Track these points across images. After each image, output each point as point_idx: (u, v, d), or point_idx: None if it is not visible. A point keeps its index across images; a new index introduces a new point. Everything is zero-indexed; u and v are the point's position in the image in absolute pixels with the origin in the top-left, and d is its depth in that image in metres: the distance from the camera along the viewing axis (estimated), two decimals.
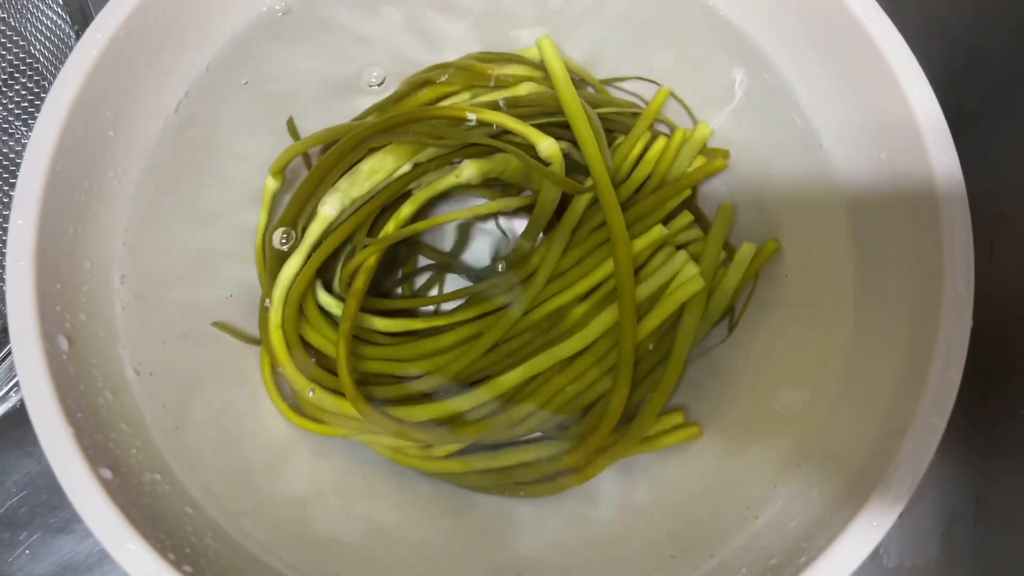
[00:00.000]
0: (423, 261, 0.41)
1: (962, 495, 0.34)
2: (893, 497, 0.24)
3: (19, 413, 0.36)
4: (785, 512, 0.27)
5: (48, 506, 0.38)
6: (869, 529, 0.23)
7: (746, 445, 0.31)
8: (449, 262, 0.40)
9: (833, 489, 0.26)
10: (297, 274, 0.33)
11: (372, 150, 0.34)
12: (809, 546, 0.24)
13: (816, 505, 0.26)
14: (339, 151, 0.33)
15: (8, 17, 0.40)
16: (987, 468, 0.34)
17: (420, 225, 0.34)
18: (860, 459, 0.26)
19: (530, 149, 0.33)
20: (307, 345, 0.34)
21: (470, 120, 0.33)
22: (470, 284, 0.39)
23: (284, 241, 0.32)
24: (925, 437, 0.24)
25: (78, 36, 0.36)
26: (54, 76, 0.39)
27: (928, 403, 0.24)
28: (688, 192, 0.36)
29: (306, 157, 0.37)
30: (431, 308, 0.40)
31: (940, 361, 0.25)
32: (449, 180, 0.33)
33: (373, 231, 0.35)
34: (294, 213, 0.34)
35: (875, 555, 0.28)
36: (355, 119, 0.37)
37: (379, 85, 0.38)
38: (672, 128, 0.37)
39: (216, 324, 0.33)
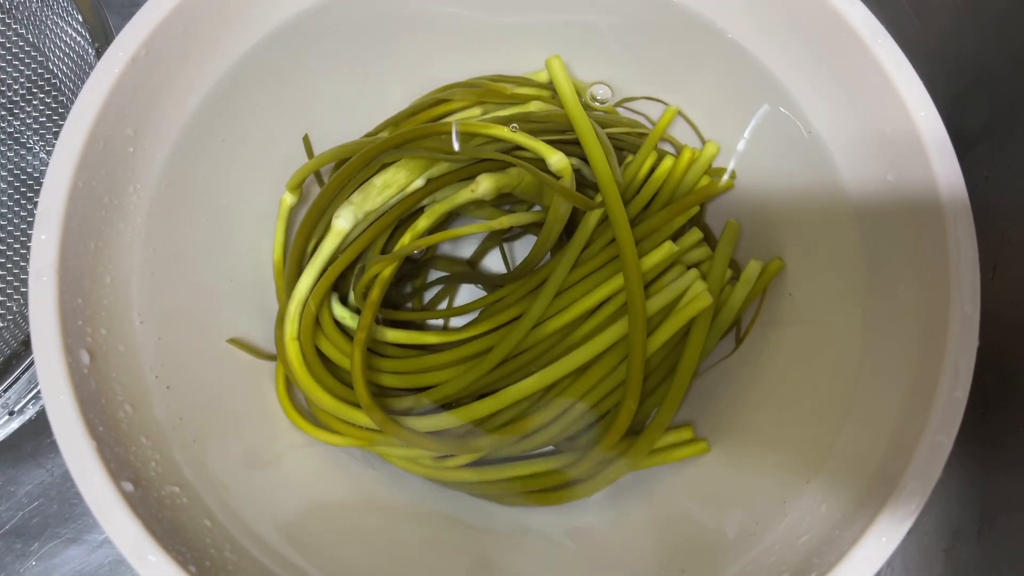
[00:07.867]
0: (432, 276, 0.42)
1: (967, 512, 0.35)
2: (902, 513, 0.24)
3: (32, 425, 0.36)
4: (795, 528, 0.27)
5: (60, 517, 0.38)
6: (879, 545, 0.24)
7: (755, 461, 0.31)
8: (464, 273, 0.41)
9: (842, 505, 0.26)
10: (312, 287, 0.33)
11: (385, 165, 0.34)
12: (819, 562, 0.25)
13: (825, 521, 0.26)
14: (353, 166, 0.34)
15: (27, 33, 0.40)
16: (992, 485, 0.34)
17: (435, 237, 0.35)
18: (869, 476, 0.26)
19: (540, 164, 0.34)
20: (322, 357, 0.34)
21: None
22: (481, 296, 0.39)
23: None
24: (932, 455, 0.25)
25: (98, 53, 0.36)
26: (73, 92, 0.40)
27: (935, 422, 0.25)
28: (696, 209, 0.36)
29: (318, 175, 0.38)
30: (441, 322, 0.40)
31: (947, 381, 0.25)
32: (464, 195, 0.34)
33: (388, 246, 0.36)
34: (310, 226, 0.34)
35: (879, 571, 0.28)
36: (368, 134, 0.38)
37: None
38: (679, 148, 0.38)
39: (231, 341, 0.33)
